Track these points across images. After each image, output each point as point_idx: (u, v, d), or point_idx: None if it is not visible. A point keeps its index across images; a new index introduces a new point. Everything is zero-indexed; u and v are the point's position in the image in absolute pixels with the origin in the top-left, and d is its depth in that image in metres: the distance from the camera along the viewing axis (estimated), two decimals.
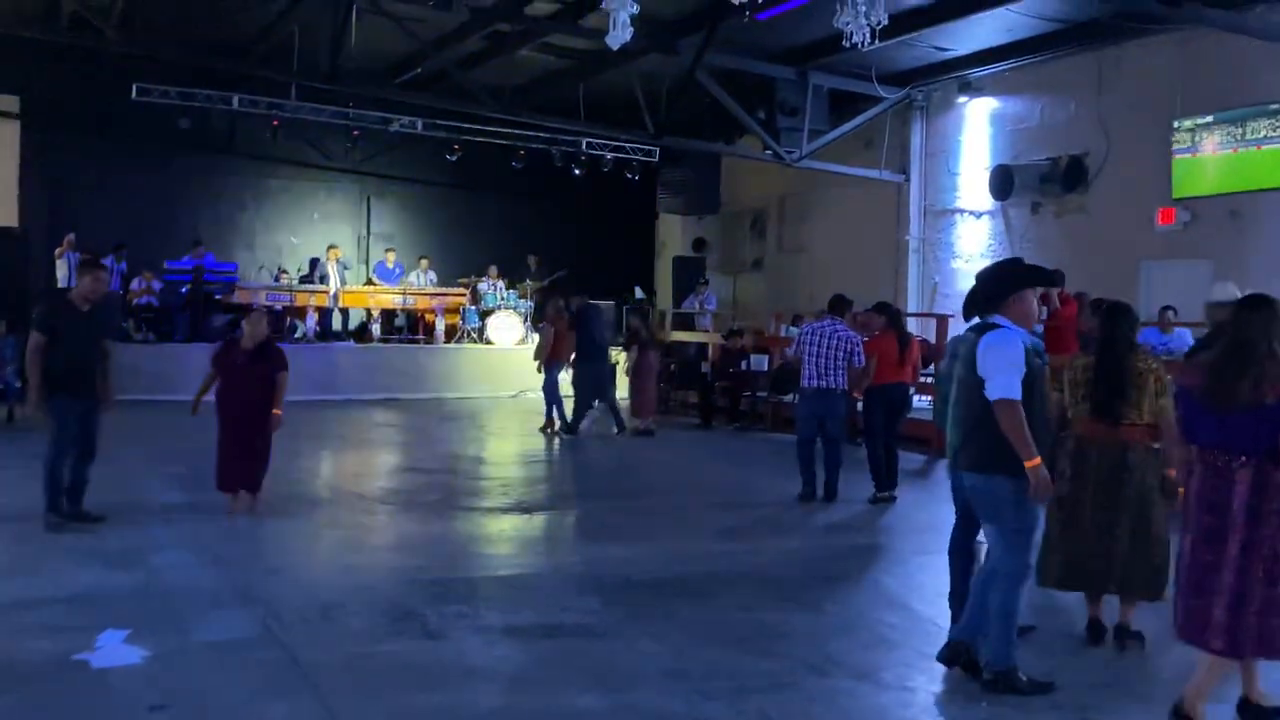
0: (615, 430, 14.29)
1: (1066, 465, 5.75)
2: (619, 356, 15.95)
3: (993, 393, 4.87)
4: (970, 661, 5.15)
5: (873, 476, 9.93)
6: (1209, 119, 13.37)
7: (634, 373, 14.88)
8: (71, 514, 7.79)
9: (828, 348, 9.70)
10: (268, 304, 18.13)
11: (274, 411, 8.29)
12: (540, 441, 13.99)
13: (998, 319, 5.07)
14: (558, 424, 14.25)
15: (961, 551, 6.04)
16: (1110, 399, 5.65)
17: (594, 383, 14.32)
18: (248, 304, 17.99)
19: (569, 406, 14.29)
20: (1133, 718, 4.93)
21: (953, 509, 6.07)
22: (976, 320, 5.34)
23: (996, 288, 5.18)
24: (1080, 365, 5.83)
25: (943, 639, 5.41)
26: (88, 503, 7.96)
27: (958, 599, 5.83)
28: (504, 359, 19.23)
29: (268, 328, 8.62)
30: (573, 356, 14.40)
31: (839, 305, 10.17)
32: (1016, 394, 4.85)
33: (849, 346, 9.74)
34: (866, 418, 10.30)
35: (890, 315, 10.25)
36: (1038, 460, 4.83)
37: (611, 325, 19.83)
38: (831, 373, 9.69)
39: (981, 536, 5.67)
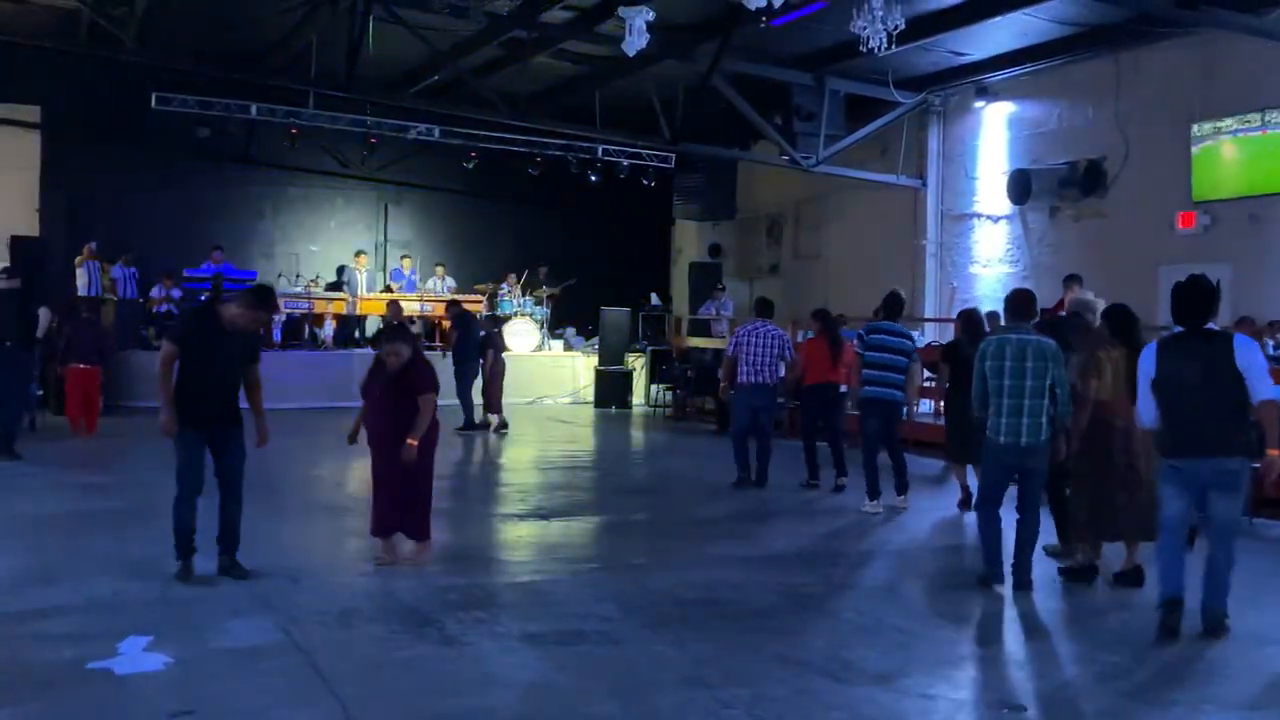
0: (457, 427, 14.63)
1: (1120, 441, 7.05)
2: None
3: (1265, 393, 5.80)
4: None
5: (807, 466, 10.92)
6: (1228, 121, 13.30)
7: (488, 374, 15.45)
8: (222, 565, 6.82)
9: (763, 346, 10.71)
10: (287, 310, 18.28)
11: (408, 441, 7.01)
12: (557, 448, 14.00)
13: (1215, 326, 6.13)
14: None
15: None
16: None
17: (463, 382, 15.03)
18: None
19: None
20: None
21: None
22: (1007, 323, 7.21)
23: (1215, 301, 6.20)
24: (1119, 356, 7.00)
25: (960, 643, 5.47)
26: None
27: (1025, 566, 7.00)
28: (520, 365, 19.27)
29: (407, 353, 7.27)
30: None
31: (767, 308, 11.30)
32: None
33: (780, 344, 10.84)
34: (802, 415, 11.47)
35: (824, 320, 11.13)
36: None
37: (625, 331, 19.90)
38: (767, 369, 10.71)
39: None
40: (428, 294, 19.53)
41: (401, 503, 7.28)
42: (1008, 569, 6.99)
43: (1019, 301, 7.25)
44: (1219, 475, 5.86)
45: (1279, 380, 8.84)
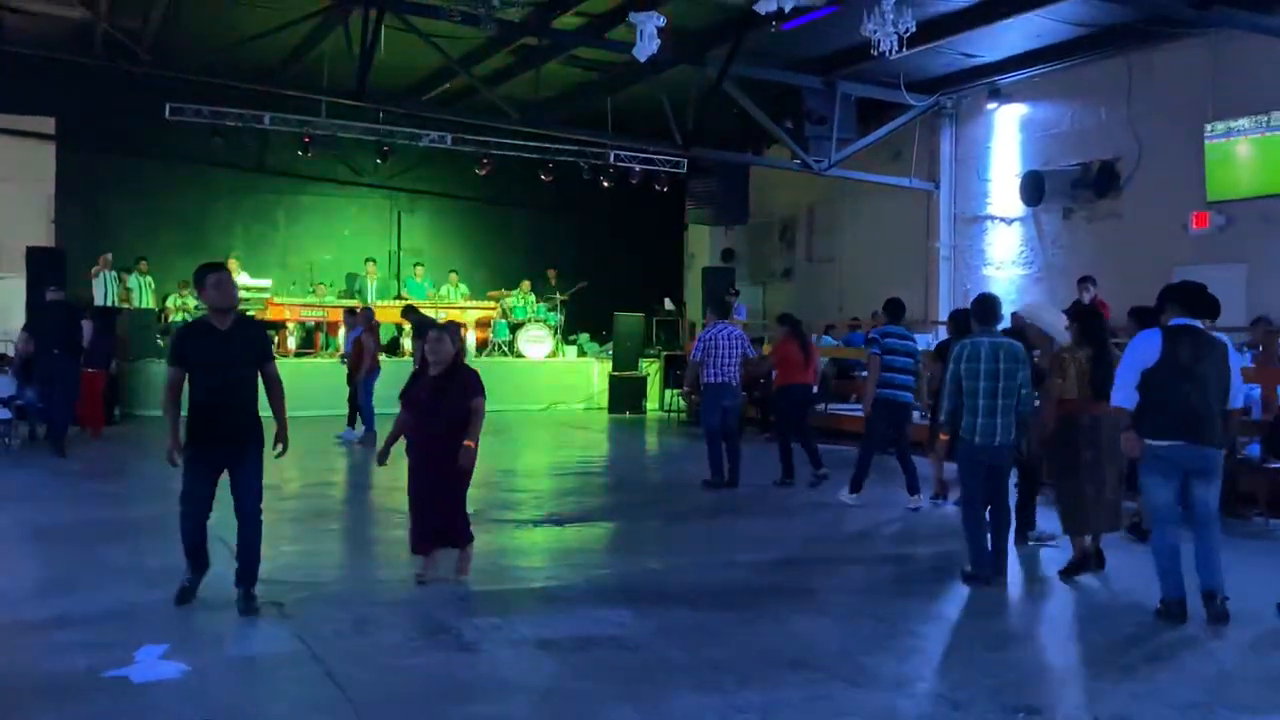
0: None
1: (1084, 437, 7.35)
2: None
3: (1241, 401, 6.43)
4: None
5: (781, 464, 11.32)
6: (1242, 121, 13.24)
7: None
8: (240, 597, 6.27)
9: (728, 348, 11.07)
10: (301, 319, 18.33)
11: (465, 444, 6.81)
12: (571, 454, 14.01)
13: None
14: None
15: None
16: (1107, 382, 7.01)
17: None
18: (281, 320, 18.22)
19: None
20: None
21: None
22: (976, 324, 7.50)
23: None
24: (1083, 357, 7.34)
25: (975, 646, 5.49)
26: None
27: (1003, 557, 7.37)
28: (534, 372, 19.32)
29: (453, 346, 7.09)
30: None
31: (724, 309, 11.95)
32: None
33: (742, 344, 11.24)
34: (777, 414, 11.91)
35: (791, 325, 11.50)
36: None
37: (638, 336, 19.92)
38: (733, 369, 11.10)
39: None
40: (441, 301, 19.57)
41: (443, 514, 7.02)
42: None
43: (987, 305, 7.51)
44: (1201, 461, 6.19)
45: (1275, 381, 9.73)
